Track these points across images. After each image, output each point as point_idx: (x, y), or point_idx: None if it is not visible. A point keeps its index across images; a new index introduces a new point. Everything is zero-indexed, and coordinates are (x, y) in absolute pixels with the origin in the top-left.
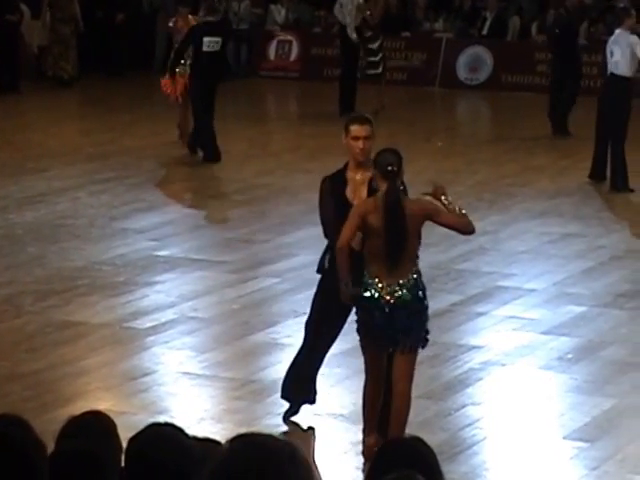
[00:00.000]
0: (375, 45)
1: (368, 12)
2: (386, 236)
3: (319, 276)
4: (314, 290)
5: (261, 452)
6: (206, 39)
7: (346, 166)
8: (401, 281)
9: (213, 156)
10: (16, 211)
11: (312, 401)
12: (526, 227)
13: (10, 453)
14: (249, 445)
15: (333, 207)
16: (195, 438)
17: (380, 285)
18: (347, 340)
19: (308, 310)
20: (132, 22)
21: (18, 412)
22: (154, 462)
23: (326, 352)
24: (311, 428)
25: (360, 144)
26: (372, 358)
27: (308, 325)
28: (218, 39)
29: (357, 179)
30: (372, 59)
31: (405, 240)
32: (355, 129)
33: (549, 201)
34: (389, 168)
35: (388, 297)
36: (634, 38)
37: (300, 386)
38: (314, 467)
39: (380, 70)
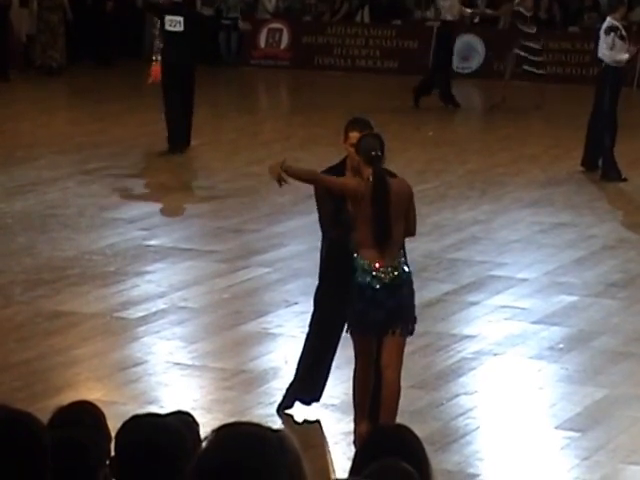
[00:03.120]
0: (538, 45)
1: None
2: (373, 222)
3: (311, 266)
4: (305, 280)
5: (248, 441)
6: (167, 17)
7: (344, 162)
8: (392, 264)
9: (174, 147)
10: (5, 200)
11: (310, 401)
12: (518, 216)
13: (23, 435)
14: (235, 434)
15: (331, 206)
16: (168, 414)
17: (373, 266)
18: None
19: (308, 306)
20: (121, 10)
21: (8, 402)
22: (145, 449)
23: (334, 352)
24: (317, 421)
25: None
26: (362, 345)
27: (312, 325)
28: (179, 18)
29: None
30: (532, 58)
31: (391, 226)
32: (355, 136)
33: (541, 190)
34: (373, 153)
35: (383, 276)
36: (613, 28)
37: (302, 384)
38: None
39: (542, 72)
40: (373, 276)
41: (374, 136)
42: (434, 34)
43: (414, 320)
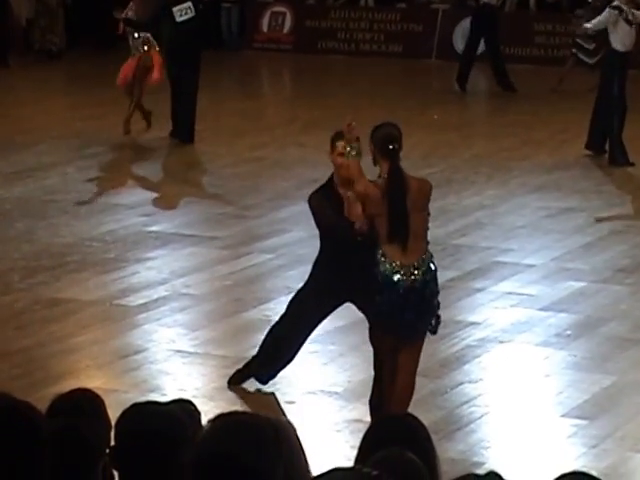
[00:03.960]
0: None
1: None
2: (389, 219)
3: (313, 252)
4: (308, 266)
5: (242, 432)
6: (175, 9)
7: (332, 180)
8: (416, 263)
9: (189, 137)
10: (4, 186)
11: (266, 380)
12: (524, 201)
13: (22, 425)
14: (230, 425)
15: (330, 210)
16: (168, 402)
17: (397, 266)
18: (341, 317)
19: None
20: None
21: (6, 391)
22: (146, 438)
23: (303, 342)
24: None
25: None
26: (383, 342)
27: (298, 305)
28: (188, 4)
29: (350, 196)
30: (585, 45)
31: (408, 221)
32: (342, 145)
33: (547, 175)
34: (390, 147)
35: (405, 278)
36: (618, 7)
37: (262, 365)
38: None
39: (593, 61)
40: (395, 276)
41: (391, 126)
42: (472, 16)
43: (437, 318)
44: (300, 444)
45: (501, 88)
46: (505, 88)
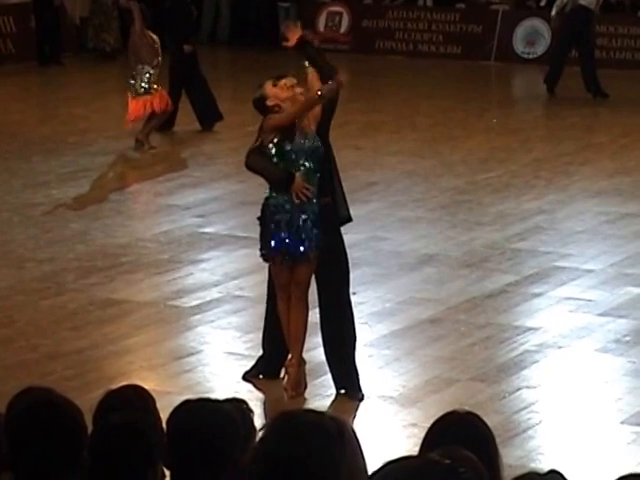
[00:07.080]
0: None
1: None
2: None
3: (369, 255)
4: (363, 269)
5: (307, 431)
6: None
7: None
8: None
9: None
10: (58, 187)
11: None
12: (584, 206)
13: (62, 419)
14: (296, 424)
15: None
16: (222, 400)
17: None
18: (396, 321)
19: (366, 297)
20: None
21: (60, 391)
22: (198, 435)
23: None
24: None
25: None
26: None
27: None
28: None
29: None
30: None
31: None
32: (288, 79)
33: (608, 180)
34: None
35: None
36: None
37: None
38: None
39: None
40: None
41: None
42: (567, 20)
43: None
44: (359, 444)
45: (591, 95)
46: (595, 94)
